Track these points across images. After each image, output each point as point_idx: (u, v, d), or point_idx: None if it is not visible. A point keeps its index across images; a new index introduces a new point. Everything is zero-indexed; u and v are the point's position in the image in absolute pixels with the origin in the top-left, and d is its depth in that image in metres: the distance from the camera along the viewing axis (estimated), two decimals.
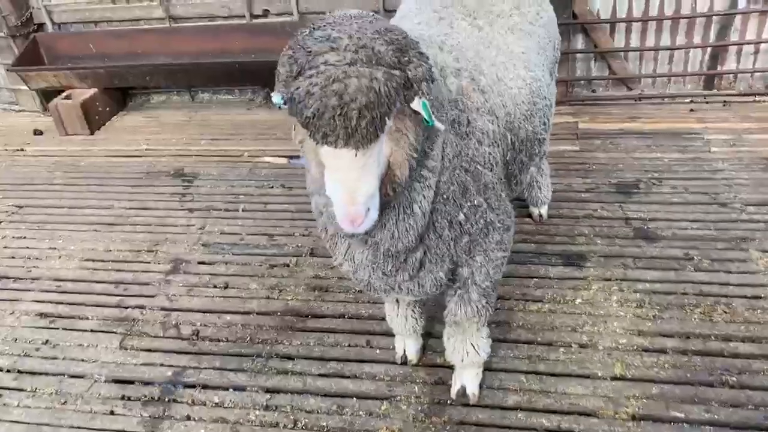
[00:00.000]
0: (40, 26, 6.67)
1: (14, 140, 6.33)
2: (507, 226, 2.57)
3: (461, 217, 2.34)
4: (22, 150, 6.13)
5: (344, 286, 3.80)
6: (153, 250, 4.38)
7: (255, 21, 6.23)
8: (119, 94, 6.74)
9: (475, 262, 2.53)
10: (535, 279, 3.73)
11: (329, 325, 3.57)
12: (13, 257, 4.48)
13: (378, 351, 3.37)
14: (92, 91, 6.34)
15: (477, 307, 2.71)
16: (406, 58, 1.73)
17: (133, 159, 5.74)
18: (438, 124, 1.84)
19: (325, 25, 1.76)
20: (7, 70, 6.50)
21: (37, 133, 6.39)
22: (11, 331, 3.79)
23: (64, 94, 6.35)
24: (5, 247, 4.60)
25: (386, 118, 1.69)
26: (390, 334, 3.33)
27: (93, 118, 6.30)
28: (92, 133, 6.28)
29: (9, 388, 3.41)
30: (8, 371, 3.52)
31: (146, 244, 4.45)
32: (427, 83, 1.77)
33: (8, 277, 4.27)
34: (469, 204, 2.34)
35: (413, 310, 3.12)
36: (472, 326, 2.90)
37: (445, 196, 2.25)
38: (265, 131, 6.01)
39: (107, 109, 6.52)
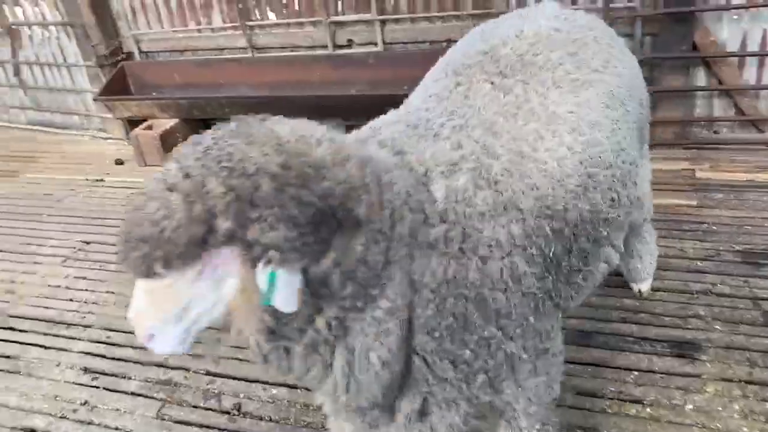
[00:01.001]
0: (129, 55, 6.68)
1: (96, 170, 6.31)
2: (543, 349, 2.04)
3: (467, 354, 1.85)
4: (101, 180, 6.10)
5: None
6: None
7: (338, 52, 5.92)
8: (200, 124, 6.61)
9: (506, 396, 2.03)
10: (634, 372, 3.07)
11: None
12: (71, 299, 4.31)
13: None
14: (173, 121, 6.24)
15: None
16: (254, 216, 1.42)
17: None
18: (283, 307, 1.52)
19: (204, 139, 1.57)
20: (94, 99, 6.53)
21: (119, 162, 6.36)
22: (53, 387, 3.56)
23: (145, 123, 6.28)
24: (67, 288, 4.46)
25: (171, 264, 1.41)
26: None
27: (172, 149, 6.18)
28: None
29: None
30: None
31: None
32: (282, 253, 1.44)
33: (63, 323, 4.09)
34: (476, 338, 1.84)
35: None
36: None
37: (436, 334, 1.79)
38: None
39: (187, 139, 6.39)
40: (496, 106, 2.10)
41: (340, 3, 5.82)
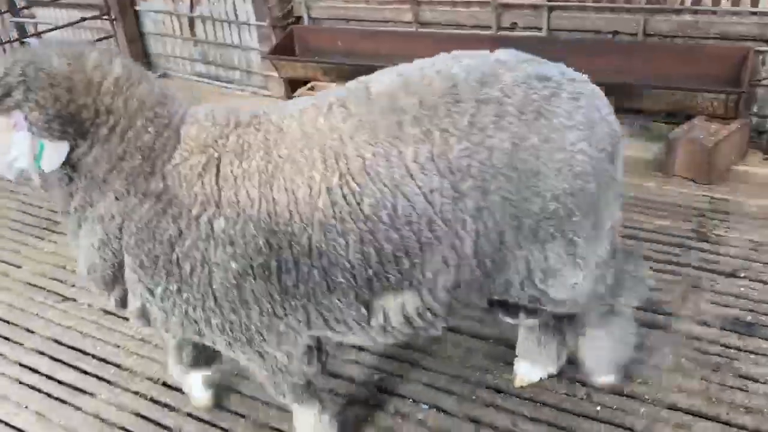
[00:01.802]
0: (298, 19, 7.13)
1: None
2: (235, 338, 2.41)
3: (159, 290, 2.31)
4: None
5: None
6: None
7: (501, 33, 6.09)
8: None
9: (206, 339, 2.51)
10: None
11: None
12: None
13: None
14: (332, 84, 6.62)
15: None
16: (30, 97, 2.08)
17: None
18: (44, 168, 2.16)
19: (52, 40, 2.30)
20: (263, 57, 7.02)
21: None
22: None
23: (308, 85, 6.70)
24: None
25: None
26: None
27: None
28: None
29: None
30: None
31: None
32: (38, 129, 2.10)
33: None
34: (163, 284, 2.29)
35: None
36: None
37: (135, 261, 2.28)
38: None
39: None
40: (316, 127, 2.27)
41: None
